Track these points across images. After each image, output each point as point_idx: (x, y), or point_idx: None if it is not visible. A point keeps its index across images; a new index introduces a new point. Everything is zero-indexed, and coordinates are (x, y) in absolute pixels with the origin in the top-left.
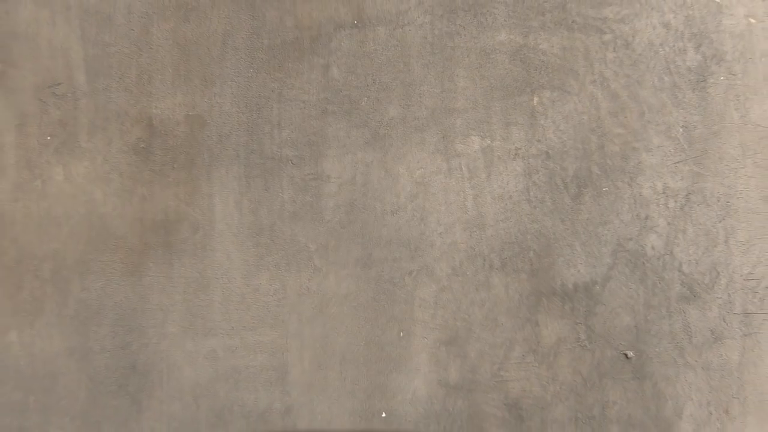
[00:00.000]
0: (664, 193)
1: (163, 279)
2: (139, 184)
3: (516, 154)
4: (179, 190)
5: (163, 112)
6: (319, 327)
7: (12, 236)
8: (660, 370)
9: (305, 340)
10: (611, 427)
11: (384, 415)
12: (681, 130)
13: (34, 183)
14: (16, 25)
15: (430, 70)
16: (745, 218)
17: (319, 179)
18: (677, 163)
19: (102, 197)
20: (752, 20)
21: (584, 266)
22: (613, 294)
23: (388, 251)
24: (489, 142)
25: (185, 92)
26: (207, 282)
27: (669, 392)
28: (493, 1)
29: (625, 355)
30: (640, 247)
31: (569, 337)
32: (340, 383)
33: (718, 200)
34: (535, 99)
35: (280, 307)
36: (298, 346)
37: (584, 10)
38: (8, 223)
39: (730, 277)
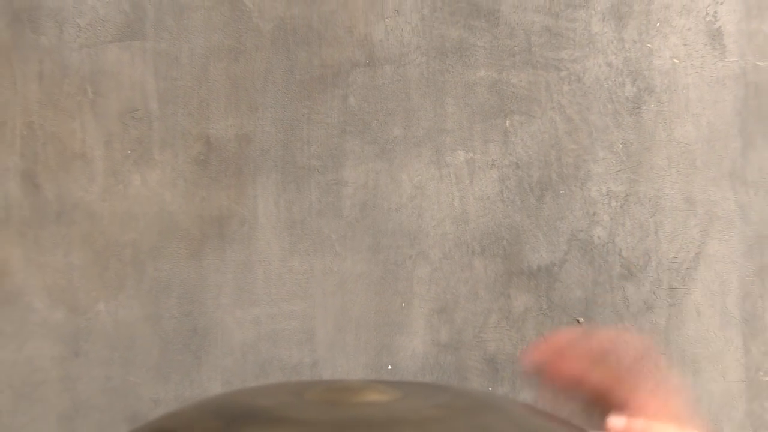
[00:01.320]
0: (607, 194)
1: (218, 261)
2: (199, 188)
3: (492, 164)
4: (230, 192)
5: (218, 132)
6: (339, 299)
7: (100, 229)
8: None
9: (328, 309)
10: None
11: (390, 367)
12: (621, 146)
13: (118, 187)
14: (103, 65)
15: (426, 99)
16: (671, 215)
17: (339, 184)
18: (618, 171)
19: (170, 198)
20: (676, 60)
21: (545, 252)
22: (568, 273)
23: (393, 240)
24: (471, 155)
25: (235, 116)
26: (252, 264)
27: None
28: (475, 46)
29: (577, 320)
30: (589, 237)
31: (534, 307)
32: (356, 343)
33: (650, 200)
34: (507, 122)
35: (309, 284)
36: (322, 314)
37: (545, 53)
38: (98, 218)
39: (659, 261)
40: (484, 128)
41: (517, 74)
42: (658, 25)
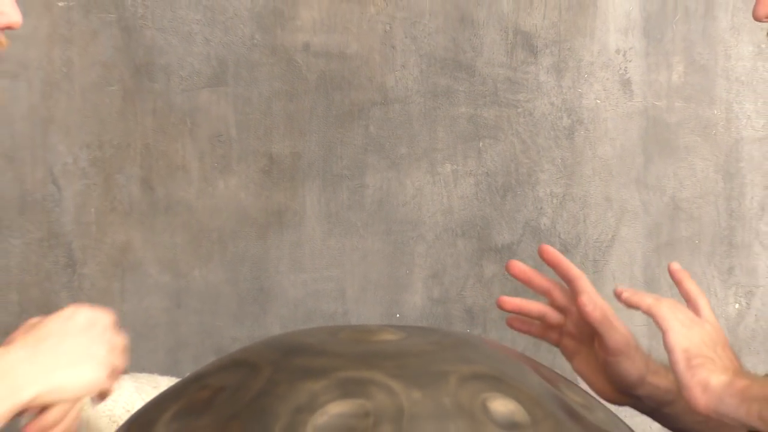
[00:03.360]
0: (550, 195)
1: (278, 241)
2: (264, 190)
3: (470, 173)
4: (286, 193)
5: (278, 150)
6: (362, 268)
7: (195, 219)
8: None
9: (355, 275)
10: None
11: (398, 316)
12: (559, 160)
13: (208, 189)
14: (198, 103)
15: (423, 128)
16: (594, 209)
17: (363, 187)
18: (557, 178)
19: (244, 197)
20: (598, 101)
21: (507, 235)
22: (523, 250)
23: (400, 226)
24: (455, 167)
25: (289, 140)
26: (301, 243)
27: None
28: (458, 91)
29: None
30: (537, 224)
31: (498, 273)
32: (374, 299)
33: (580, 199)
34: (480, 143)
35: (341, 257)
36: (351, 279)
37: (507, 96)
38: (194, 211)
39: (586, 241)
40: (464, 148)
41: (487, 110)
42: (586, 76)
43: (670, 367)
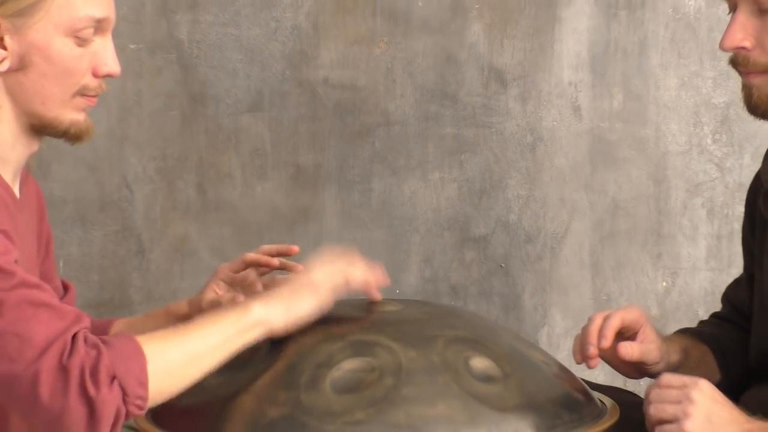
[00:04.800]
0: (517, 196)
1: (303, 232)
2: (292, 192)
3: (454, 180)
4: (310, 194)
5: (304, 161)
6: (369, 254)
7: (238, 215)
8: (516, 272)
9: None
10: (494, 298)
11: (398, 291)
12: (524, 170)
13: (248, 192)
14: (240, 125)
15: (417, 144)
16: (552, 208)
17: (370, 190)
18: (523, 183)
19: (277, 198)
20: (555, 123)
21: (483, 228)
22: (496, 240)
23: (399, 221)
24: (443, 175)
25: (313, 153)
26: (321, 234)
27: (519, 281)
28: (444, 115)
29: (501, 266)
30: (507, 219)
31: (477, 258)
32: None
33: (541, 199)
34: (462, 156)
35: (353, 245)
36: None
37: (483, 119)
38: (237, 209)
39: (545, 233)
40: (450, 160)
41: (468, 130)
42: (545, 103)
43: None
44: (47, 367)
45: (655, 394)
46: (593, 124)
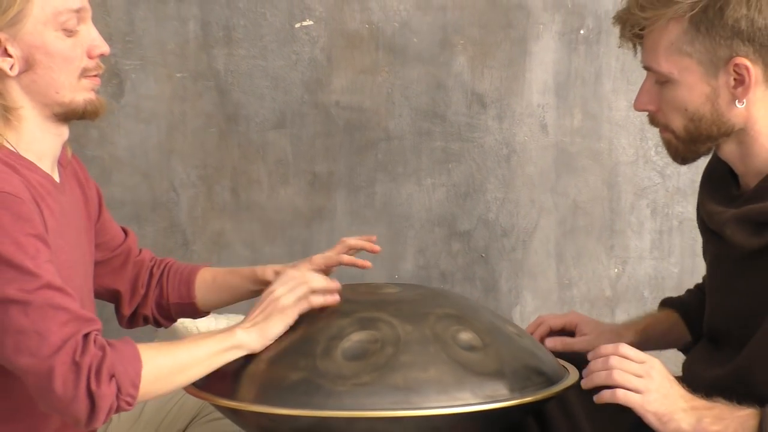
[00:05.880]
0: (495, 198)
1: (319, 227)
2: (310, 195)
3: (443, 185)
4: (324, 197)
5: (319, 170)
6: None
7: (266, 215)
8: (494, 261)
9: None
10: (476, 282)
11: (396, 276)
12: (501, 177)
13: (273, 194)
14: (267, 140)
15: (412, 156)
16: (523, 208)
17: (373, 194)
18: (499, 187)
19: (297, 200)
20: (526, 138)
21: (467, 224)
22: (478, 234)
23: (398, 220)
24: (433, 180)
25: (326, 163)
26: (333, 229)
27: (497, 268)
28: (434, 131)
29: (481, 255)
30: (487, 217)
31: (462, 249)
32: (380, 265)
33: (515, 201)
34: (450, 165)
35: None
36: (366, 253)
37: (466, 134)
38: (264, 209)
39: (518, 228)
40: (439, 168)
41: (454, 144)
42: (518, 122)
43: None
44: (61, 362)
45: (617, 360)
46: (557, 139)
